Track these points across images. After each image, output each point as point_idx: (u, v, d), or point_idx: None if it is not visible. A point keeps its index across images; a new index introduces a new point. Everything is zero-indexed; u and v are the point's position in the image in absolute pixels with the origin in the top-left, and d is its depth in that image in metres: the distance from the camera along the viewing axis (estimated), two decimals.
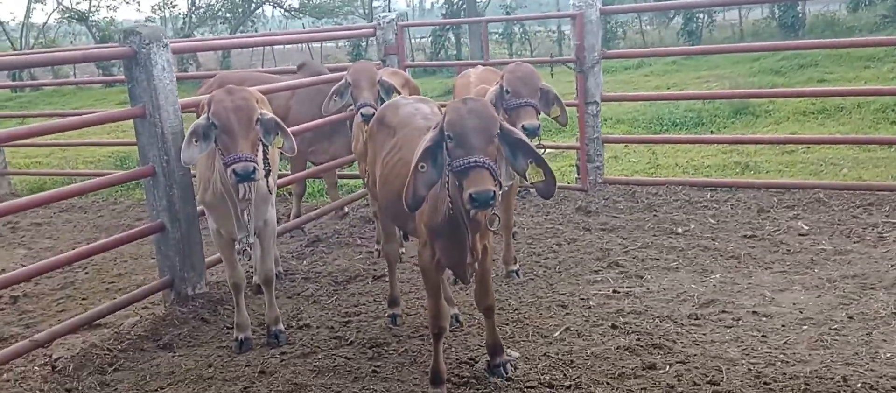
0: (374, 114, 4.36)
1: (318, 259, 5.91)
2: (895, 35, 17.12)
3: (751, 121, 11.08)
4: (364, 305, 4.90)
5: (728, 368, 3.65)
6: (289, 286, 5.32)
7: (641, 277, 4.98)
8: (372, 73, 5.17)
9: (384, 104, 4.20)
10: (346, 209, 7.01)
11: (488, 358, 3.82)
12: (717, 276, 4.90)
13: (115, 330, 4.66)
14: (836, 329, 4.00)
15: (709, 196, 6.47)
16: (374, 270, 5.54)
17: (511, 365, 3.82)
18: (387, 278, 5.30)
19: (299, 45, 22.90)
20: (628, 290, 4.77)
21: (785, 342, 3.90)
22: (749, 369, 3.61)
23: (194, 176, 5.05)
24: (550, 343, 4.10)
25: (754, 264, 5.04)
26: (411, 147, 3.70)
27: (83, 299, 5.51)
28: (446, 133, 3.09)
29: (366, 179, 4.89)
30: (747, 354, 3.79)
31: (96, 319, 4.60)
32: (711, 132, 10.70)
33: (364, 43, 21.39)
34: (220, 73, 7.02)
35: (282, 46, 27.70)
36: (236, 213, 4.05)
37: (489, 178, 2.95)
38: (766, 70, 15.94)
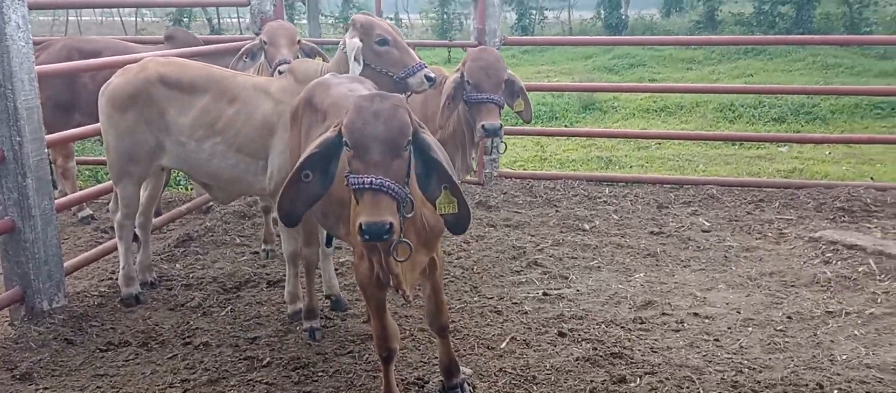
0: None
1: (193, 261, 5.09)
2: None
3: (600, 116, 11.39)
4: (267, 316, 4.22)
5: (699, 378, 3.43)
6: (167, 295, 4.51)
7: (566, 278, 4.70)
8: (291, 31, 4.64)
9: (313, 82, 3.57)
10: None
11: (443, 379, 3.33)
12: (641, 275, 4.73)
13: None
14: (781, 331, 3.92)
15: (607, 191, 6.37)
16: (267, 274, 4.85)
17: (468, 384, 3.37)
18: (284, 284, 4.67)
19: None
20: (558, 292, 4.48)
21: (740, 346, 3.76)
22: (722, 378, 3.41)
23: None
24: (501, 356, 3.69)
25: (672, 262, 4.94)
26: None
27: None
28: (344, 138, 2.51)
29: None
30: (710, 362, 3.60)
31: None
32: (565, 126, 10.85)
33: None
34: (68, 38, 5.92)
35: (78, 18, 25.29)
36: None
37: (388, 205, 2.39)
38: (600, 67, 16.56)
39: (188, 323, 4.12)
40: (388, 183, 2.40)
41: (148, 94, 3.99)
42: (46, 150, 3.98)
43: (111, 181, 4.33)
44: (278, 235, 5.27)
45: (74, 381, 3.52)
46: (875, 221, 5.48)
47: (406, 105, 2.56)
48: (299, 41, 4.69)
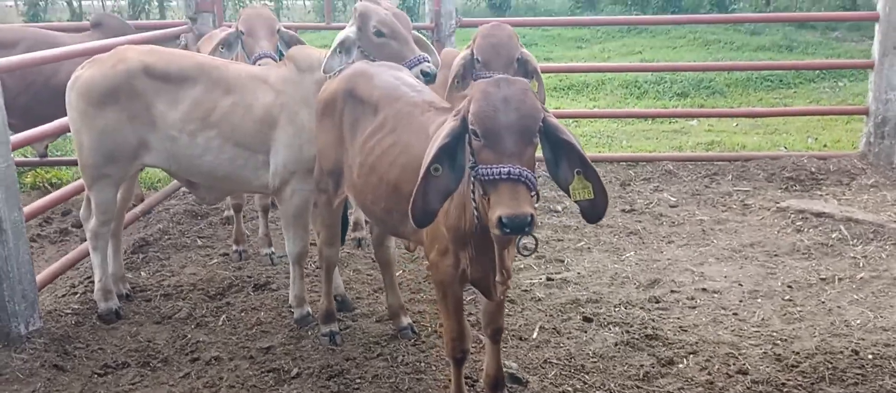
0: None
1: (159, 268, 4.65)
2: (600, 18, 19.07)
3: None
4: (270, 323, 3.91)
5: (740, 353, 3.48)
6: (148, 307, 4.09)
7: (562, 261, 4.67)
8: (270, 20, 4.29)
9: (350, 72, 3.30)
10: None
11: None
12: (632, 253, 4.77)
13: None
14: (790, 301, 4.05)
15: None
16: (248, 277, 4.49)
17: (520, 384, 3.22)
18: (273, 286, 4.39)
19: None
20: (561, 276, 4.43)
21: (761, 319, 3.85)
22: (763, 352, 3.47)
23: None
24: (537, 347, 3.60)
25: (655, 239, 5.01)
26: (410, 128, 2.93)
27: None
28: (472, 127, 2.36)
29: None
30: (740, 336, 3.66)
31: None
32: None
33: None
34: None
35: None
36: None
37: (526, 195, 2.27)
38: None
39: (185, 336, 3.75)
40: (526, 173, 2.26)
41: (131, 87, 3.58)
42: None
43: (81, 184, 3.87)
44: (258, 236, 4.92)
45: None
46: (824, 188, 5.80)
47: (530, 87, 2.41)
48: (278, 29, 4.35)
